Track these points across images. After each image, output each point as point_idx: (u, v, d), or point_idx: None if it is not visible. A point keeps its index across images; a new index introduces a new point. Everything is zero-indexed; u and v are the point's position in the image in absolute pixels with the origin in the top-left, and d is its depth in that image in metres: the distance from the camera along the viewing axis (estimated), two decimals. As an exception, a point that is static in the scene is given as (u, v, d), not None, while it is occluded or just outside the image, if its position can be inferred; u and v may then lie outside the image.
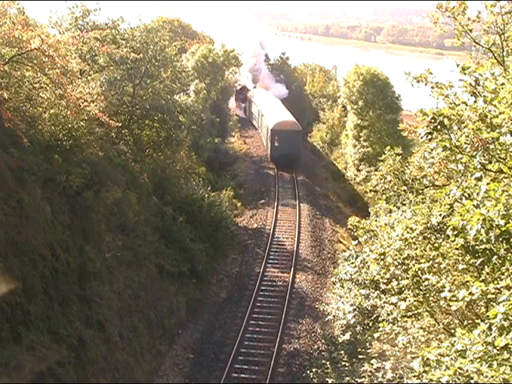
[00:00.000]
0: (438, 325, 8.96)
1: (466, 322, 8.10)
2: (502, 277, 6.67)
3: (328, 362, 15.99)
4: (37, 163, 14.57)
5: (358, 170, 37.61)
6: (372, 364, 10.66)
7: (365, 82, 37.21)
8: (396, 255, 9.41)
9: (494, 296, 6.27)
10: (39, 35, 14.47)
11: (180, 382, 16.86)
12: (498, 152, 7.60)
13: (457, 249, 7.92)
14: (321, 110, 49.87)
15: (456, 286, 7.85)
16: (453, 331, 8.24)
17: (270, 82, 62.77)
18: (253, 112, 53.39)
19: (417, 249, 9.20)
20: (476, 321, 7.58)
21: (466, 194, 7.70)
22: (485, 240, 6.46)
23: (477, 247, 6.89)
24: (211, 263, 24.08)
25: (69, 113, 15.76)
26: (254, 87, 61.66)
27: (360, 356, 12.31)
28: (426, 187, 11.45)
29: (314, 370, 15.85)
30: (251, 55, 62.48)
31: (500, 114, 7.50)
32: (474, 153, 7.78)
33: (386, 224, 11.07)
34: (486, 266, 7.06)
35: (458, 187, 8.04)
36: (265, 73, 64.36)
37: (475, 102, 8.20)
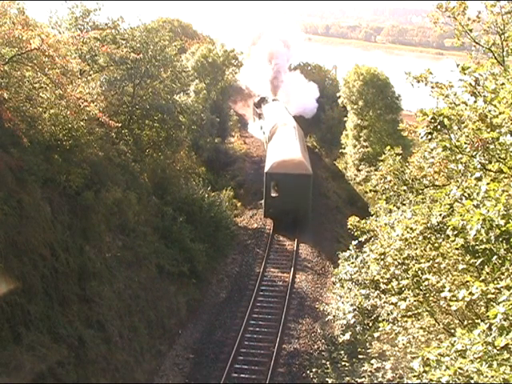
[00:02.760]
0: (438, 325, 8.96)
1: (466, 322, 8.11)
2: (502, 277, 6.68)
3: (328, 362, 16.00)
4: (37, 163, 14.57)
5: (358, 170, 37.61)
6: (372, 364, 10.66)
7: (365, 81, 37.21)
8: (396, 255, 9.42)
9: (493, 296, 6.27)
10: (39, 35, 14.46)
11: (180, 382, 16.86)
12: (498, 152, 7.60)
13: (457, 249, 7.92)
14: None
15: (456, 285, 7.85)
16: (453, 331, 8.25)
17: (294, 90, 49.54)
18: (264, 133, 41.27)
19: (417, 249, 9.20)
20: (476, 321, 7.59)
21: (466, 194, 7.70)
22: (485, 240, 6.46)
23: (477, 247, 6.88)
24: (211, 263, 24.08)
25: (69, 113, 15.77)
26: (274, 99, 49.66)
27: (360, 356, 12.32)
28: (426, 187, 11.45)
29: (313, 370, 15.86)
30: (270, 57, 51.11)
31: (500, 113, 7.50)
32: (474, 153, 7.78)
33: (385, 224, 11.07)
34: (486, 266, 7.05)
35: (458, 187, 8.04)
36: (288, 79, 51.69)
37: (475, 102, 8.20)
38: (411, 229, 9.25)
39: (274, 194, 28.91)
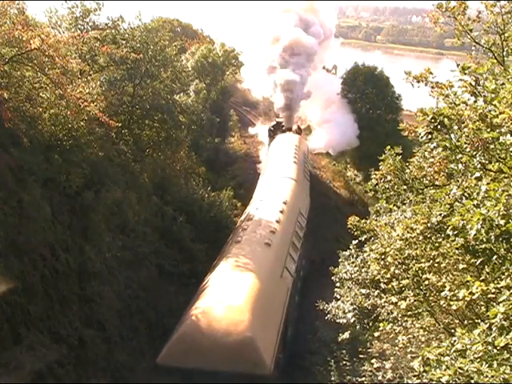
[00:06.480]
0: (438, 324, 8.96)
1: (466, 322, 8.11)
2: (502, 277, 6.67)
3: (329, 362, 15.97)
4: (37, 163, 14.57)
5: (358, 170, 37.63)
6: (372, 363, 10.67)
7: (365, 82, 37.21)
8: (396, 255, 9.42)
9: (494, 296, 6.27)
10: (39, 35, 14.45)
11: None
12: (498, 152, 7.60)
13: (457, 249, 7.92)
14: None
15: (456, 285, 7.85)
16: (453, 331, 8.25)
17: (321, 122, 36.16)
18: None
19: (417, 248, 9.20)
20: (476, 321, 7.59)
21: (466, 194, 7.71)
22: (485, 240, 6.46)
23: (477, 247, 6.89)
24: (211, 263, 24.05)
25: (69, 113, 15.75)
26: (287, 129, 35.67)
27: (361, 355, 12.33)
28: (426, 187, 11.44)
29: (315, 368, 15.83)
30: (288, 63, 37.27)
31: (500, 114, 7.49)
32: (474, 153, 7.78)
33: (386, 224, 11.07)
34: (486, 266, 7.05)
35: (458, 187, 8.04)
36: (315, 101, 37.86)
37: (475, 101, 8.20)
38: (411, 228, 9.25)
39: None
